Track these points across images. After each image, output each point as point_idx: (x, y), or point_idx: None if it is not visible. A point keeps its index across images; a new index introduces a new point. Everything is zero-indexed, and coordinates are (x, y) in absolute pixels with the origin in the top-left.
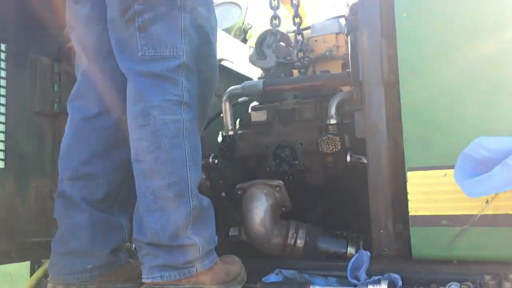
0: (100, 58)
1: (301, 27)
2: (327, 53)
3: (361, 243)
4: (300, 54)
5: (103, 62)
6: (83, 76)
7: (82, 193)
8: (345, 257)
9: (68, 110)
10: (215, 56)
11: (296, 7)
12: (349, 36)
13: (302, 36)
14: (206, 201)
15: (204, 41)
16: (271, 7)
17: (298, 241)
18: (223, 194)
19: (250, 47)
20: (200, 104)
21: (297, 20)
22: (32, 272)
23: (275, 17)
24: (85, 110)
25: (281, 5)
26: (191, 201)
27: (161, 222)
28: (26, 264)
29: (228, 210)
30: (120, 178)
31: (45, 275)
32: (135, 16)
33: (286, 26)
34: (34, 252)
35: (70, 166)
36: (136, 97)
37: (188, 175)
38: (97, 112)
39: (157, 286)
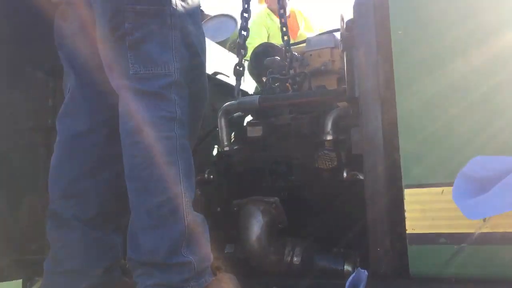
0: (88, 76)
1: (296, 40)
2: (322, 67)
3: (358, 260)
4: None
5: (91, 79)
6: (71, 93)
7: (73, 212)
8: (342, 274)
9: (57, 129)
10: (204, 73)
11: (283, 24)
12: (345, 53)
13: (291, 54)
14: (200, 218)
15: (194, 58)
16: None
17: (295, 259)
18: (218, 209)
19: (245, 60)
20: (191, 121)
21: (285, 38)
22: None
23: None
24: (74, 128)
25: (274, 18)
26: (185, 219)
27: (156, 241)
28: (18, 283)
29: (223, 227)
30: (112, 196)
31: None
32: (125, 34)
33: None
34: (27, 270)
35: (60, 185)
36: (129, 114)
37: (182, 192)
38: (85, 130)
39: None
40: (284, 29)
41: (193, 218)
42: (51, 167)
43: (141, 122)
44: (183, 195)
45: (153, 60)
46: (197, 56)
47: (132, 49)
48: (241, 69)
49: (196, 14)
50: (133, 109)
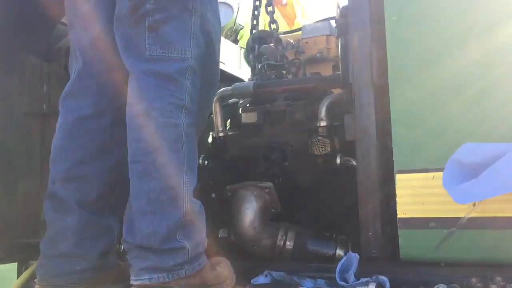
0: (97, 58)
1: (293, 28)
2: (318, 55)
3: (349, 245)
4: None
5: (100, 62)
6: (78, 75)
7: (74, 195)
8: (334, 259)
9: (59, 109)
10: (218, 62)
11: (271, 13)
12: (339, 39)
13: (282, 43)
14: (198, 205)
15: (209, 46)
16: (267, 12)
17: (288, 243)
18: (213, 195)
19: (241, 48)
20: (200, 109)
21: (273, 26)
22: (19, 273)
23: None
24: (79, 110)
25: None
26: (184, 206)
27: (153, 226)
28: (14, 266)
29: (217, 212)
30: (113, 180)
31: (33, 277)
32: (145, 15)
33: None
34: (22, 254)
35: (62, 167)
36: (139, 96)
37: (184, 180)
38: (91, 113)
39: None
40: (273, 25)
41: (191, 206)
42: (53, 148)
43: (150, 106)
44: (184, 183)
45: (171, 43)
46: (212, 44)
47: (151, 30)
48: None
49: (215, 2)
50: (143, 92)
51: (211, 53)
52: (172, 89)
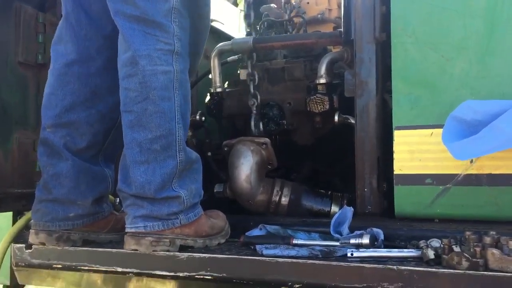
0: (86, 1)
1: None
2: (319, 16)
3: (345, 202)
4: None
5: (89, 5)
6: (66, 19)
7: (64, 141)
8: (329, 215)
9: (51, 55)
10: (208, 5)
11: None
12: None
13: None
14: (194, 155)
15: None
16: None
17: (283, 199)
18: (209, 153)
19: (241, 10)
20: (191, 53)
21: None
22: (14, 223)
23: None
24: (68, 55)
25: None
26: (178, 155)
27: (147, 175)
28: (9, 215)
29: (213, 170)
30: (105, 128)
31: (27, 226)
32: None
33: None
34: (17, 204)
35: (52, 113)
36: (125, 44)
37: (176, 128)
38: (79, 58)
39: (140, 235)
40: None
41: (186, 155)
42: (44, 94)
43: (137, 54)
44: (176, 131)
45: None
46: None
47: None
48: None
49: None
50: (128, 39)
51: None
52: (159, 34)
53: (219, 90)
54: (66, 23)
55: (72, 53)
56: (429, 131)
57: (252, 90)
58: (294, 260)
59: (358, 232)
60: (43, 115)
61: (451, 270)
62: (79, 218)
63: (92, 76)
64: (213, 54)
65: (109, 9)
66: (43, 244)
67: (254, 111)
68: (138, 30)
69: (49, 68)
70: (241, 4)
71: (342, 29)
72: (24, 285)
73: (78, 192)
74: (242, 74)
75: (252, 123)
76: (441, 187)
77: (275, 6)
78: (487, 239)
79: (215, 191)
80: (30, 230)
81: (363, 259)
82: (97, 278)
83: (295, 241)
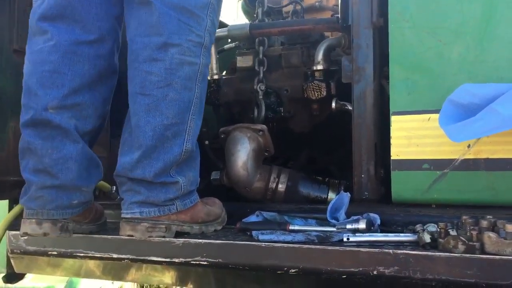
0: None
1: None
2: (317, 4)
3: (342, 188)
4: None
5: None
6: None
7: (73, 123)
8: (326, 202)
9: (47, 30)
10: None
11: None
12: None
13: None
14: (195, 144)
15: None
16: None
17: (280, 186)
18: (206, 142)
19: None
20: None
21: None
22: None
23: None
24: (78, 35)
25: None
26: (185, 145)
27: (150, 160)
28: (5, 203)
29: (211, 159)
30: (105, 111)
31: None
32: None
33: None
34: (13, 192)
35: (58, 93)
36: (156, 28)
37: (190, 119)
38: (93, 39)
39: (136, 221)
40: None
41: (191, 146)
42: (41, 72)
43: (169, 41)
44: (189, 121)
45: None
46: None
47: None
48: None
49: None
50: (162, 25)
51: None
52: (193, 25)
53: (216, 77)
54: (78, 1)
55: (84, 33)
56: (427, 116)
57: (261, 75)
58: (290, 245)
59: (355, 217)
60: (42, 94)
61: (447, 254)
62: (79, 205)
63: (101, 57)
64: None
65: None
66: (47, 234)
67: (261, 97)
68: (174, 18)
69: (47, 44)
70: None
71: (339, 15)
72: (24, 274)
73: (85, 177)
74: (239, 60)
75: (256, 110)
76: (438, 172)
77: None
78: (484, 223)
79: (212, 178)
80: (26, 219)
81: (359, 244)
82: (94, 265)
83: (291, 227)
